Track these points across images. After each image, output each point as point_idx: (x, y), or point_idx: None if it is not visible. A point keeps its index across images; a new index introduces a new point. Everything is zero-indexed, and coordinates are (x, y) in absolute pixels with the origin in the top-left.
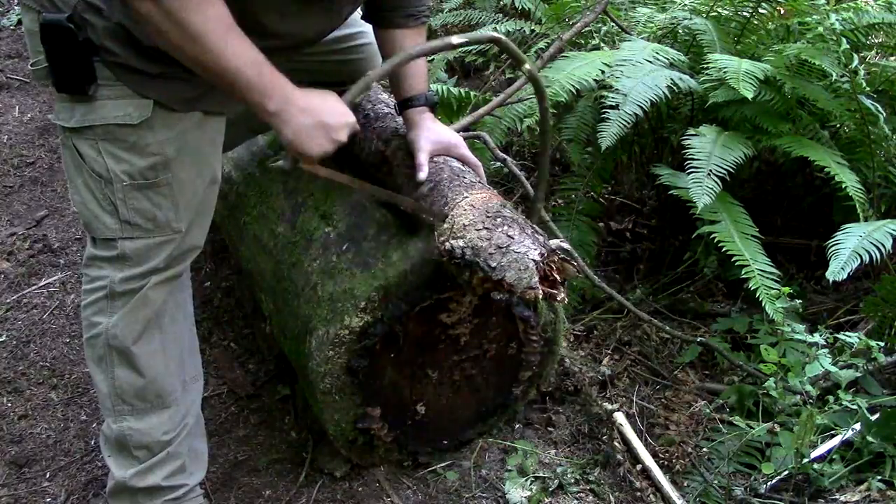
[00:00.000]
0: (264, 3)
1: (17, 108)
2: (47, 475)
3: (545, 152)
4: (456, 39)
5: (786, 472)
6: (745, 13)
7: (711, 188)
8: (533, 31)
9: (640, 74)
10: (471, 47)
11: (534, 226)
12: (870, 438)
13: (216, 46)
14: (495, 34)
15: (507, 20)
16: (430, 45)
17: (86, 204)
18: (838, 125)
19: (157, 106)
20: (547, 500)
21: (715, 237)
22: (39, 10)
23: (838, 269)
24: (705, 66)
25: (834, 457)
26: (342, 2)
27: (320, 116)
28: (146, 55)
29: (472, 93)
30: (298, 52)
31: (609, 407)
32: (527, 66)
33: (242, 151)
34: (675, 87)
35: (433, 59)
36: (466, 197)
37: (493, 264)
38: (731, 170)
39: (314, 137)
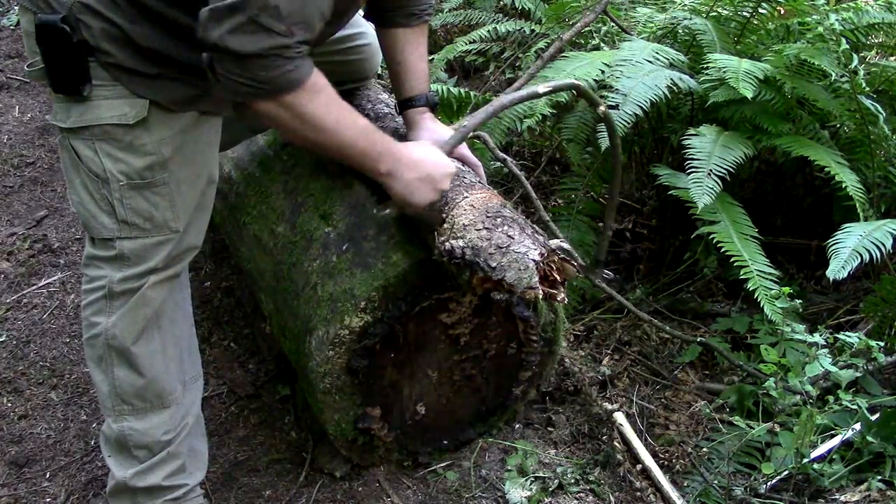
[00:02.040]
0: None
1: (17, 108)
2: (47, 475)
3: (615, 189)
4: (542, 89)
5: (786, 472)
6: (745, 13)
7: (711, 188)
8: (533, 31)
9: (640, 74)
10: (473, 46)
11: (534, 226)
12: (870, 438)
13: (332, 128)
14: (576, 82)
15: (507, 20)
16: (519, 95)
17: (84, 204)
18: (838, 125)
19: (153, 106)
20: (547, 500)
21: (714, 237)
22: (35, 11)
23: (839, 268)
24: (705, 66)
25: (834, 457)
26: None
27: (426, 170)
28: (142, 56)
29: (472, 93)
30: None
31: (609, 407)
32: (602, 108)
33: (242, 151)
34: (675, 87)
35: (433, 59)
36: (466, 197)
37: (493, 264)
38: (731, 170)
39: (421, 191)
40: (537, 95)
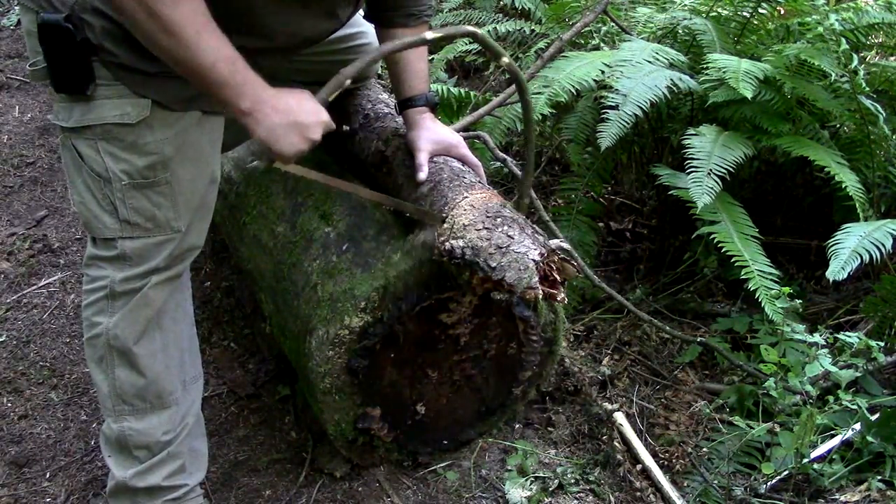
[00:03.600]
0: (266, 4)
1: (17, 108)
2: (47, 475)
3: (530, 145)
4: (430, 34)
5: (786, 472)
6: (745, 13)
7: (711, 188)
8: (533, 31)
9: (640, 75)
10: (473, 47)
11: (534, 226)
12: (870, 438)
13: (190, 41)
14: (471, 28)
15: (507, 20)
16: (403, 42)
17: (85, 204)
18: (838, 125)
19: (156, 105)
20: (547, 500)
21: (714, 237)
22: (37, 10)
23: (838, 269)
24: (705, 66)
25: (834, 457)
26: (340, 2)
27: (294, 116)
28: (144, 55)
29: (472, 93)
30: (299, 53)
31: (609, 407)
32: (504, 59)
33: (242, 151)
34: (675, 88)
35: (433, 59)
36: (466, 197)
37: (493, 264)
38: (731, 170)
39: (288, 137)
40: (426, 42)
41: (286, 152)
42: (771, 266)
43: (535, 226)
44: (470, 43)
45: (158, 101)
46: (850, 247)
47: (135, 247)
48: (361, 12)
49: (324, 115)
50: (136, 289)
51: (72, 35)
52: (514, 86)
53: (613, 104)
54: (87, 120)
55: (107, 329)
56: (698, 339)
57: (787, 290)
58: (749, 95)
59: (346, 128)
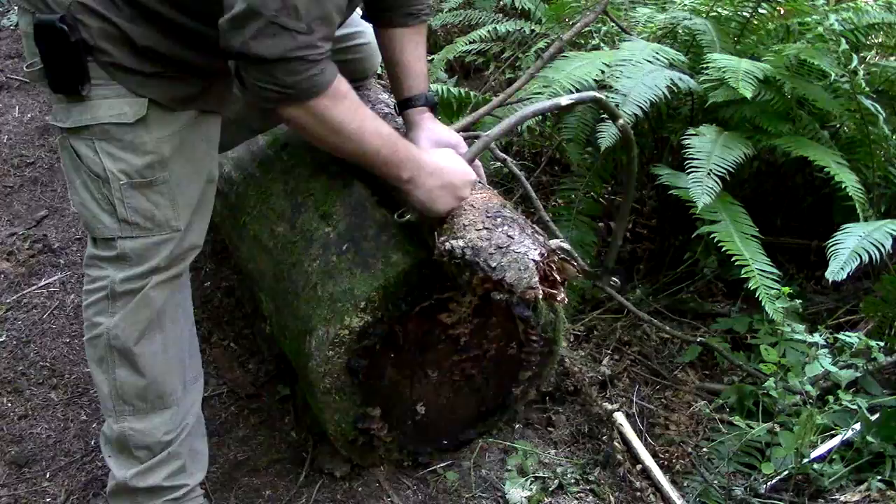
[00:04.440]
0: None
1: (17, 108)
2: (47, 475)
3: (628, 200)
4: (565, 101)
5: (786, 472)
6: (745, 13)
7: (711, 188)
8: (533, 31)
9: (640, 74)
10: (472, 47)
11: (534, 226)
12: (870, 438)
13: (355, 134)
14: (598, 95)
15: (508, 20)
16: (542, 106)
17: (85, 204)
18: (838, 125)
19: (153, 104)
20: (547, 500)
21: (715, 237)
22: (33, 11)
23: (838, 269)
24: (705, 66)
25: (834, 457)
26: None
27: (447, 178)
28: (140, 55)
29: (472, 93)
30: None
31: (609, 407)
32: (621, 121)
33: (242, 151)
34: (675, 87)
35: (433, 59)
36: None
37: (493, 264)
38: (731, 170)
39: (443, 198)
40: (559, 107)
41: (440, 211)
42: (771, 266)
43: (535, 226)
44: (469, 43)
45: (155, 100)
46: (849, 247)
47: (134, 246)
48: (359, 11)
49: (472, 175)
50: (136, 289)
51: (66, 36)
52: (514, 86)
53: (613, 104)
54: (84, 120)
55: (107, 329)
56: (698, 339)
57: (787, 290)
58: (749, 95)
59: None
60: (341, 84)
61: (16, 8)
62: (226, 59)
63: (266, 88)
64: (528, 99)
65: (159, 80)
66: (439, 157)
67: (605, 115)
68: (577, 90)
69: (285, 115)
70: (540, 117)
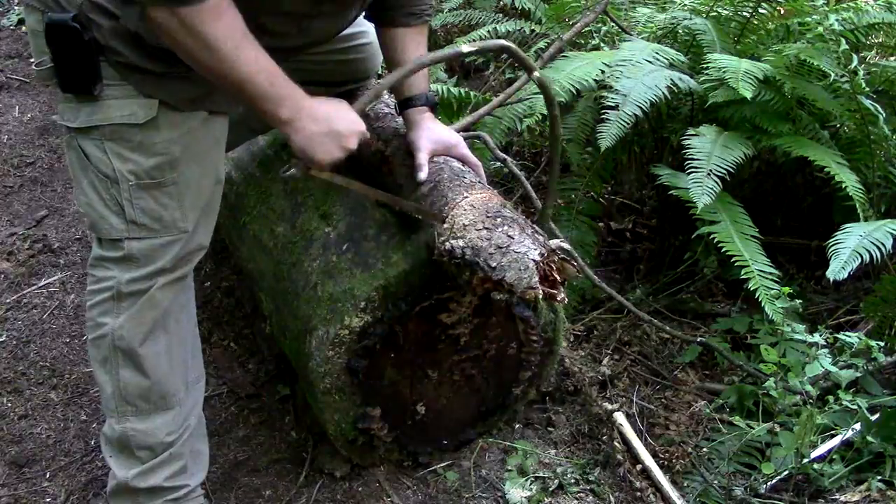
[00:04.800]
0: (275, 7)
1: (17, 108)
2: (47, 475)
3: (555, 158)
4: (466, 48)
5: (786, 472)
6: (745, 13)
7: (711, 188)
8: (533, 31)
9: (640, 75)
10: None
11: (534, 226)
12: (870, 438)
13: (229, 55)
14: (505, 42)
15: (507, 20)
16: (441, 54)
17: (92, 204)
18: (838, 125)
19: (163, 105)
20: (547, 500)
21: (714, 237)
22: (44, 10)
23: (839, 269)
24: (705, 66)
25: (834, 457)
26: (350, 5)
27: (331, 124)
28: (151, 55)
29: (472, 93)
30: (302, 53)
31: (609, 407)
32: (536, 73)
33: (242, 151)
34: (675, 88)
35: None
36: (466, 197)
37: (493, 264)
38: (731, 170)
39: (325, 145)
40: (461, 55)
41: (323, 160)
42: (771, 266)
43: (535, 226)
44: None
45: (165, 101)
46: (850, 247)
47: (141, 247)
48: None
49: (360, 125)
50: (142, 290)
51: (79, 35)
52: (514, 85)
53: (613, 104)
54: (93, 120)
55: (112, 330)
56: (698, 339)
57: (787, 290)
58: (749, 95)
59: (378, 141)
60: (226, 2)
61: (17, 7)
62: None
63: None
64: (528, 99)
65: (169, 80)
66: (325, 104)
67: (605, 115)
68: (577, 90)
69: (154, 19)
70: (539, 117)
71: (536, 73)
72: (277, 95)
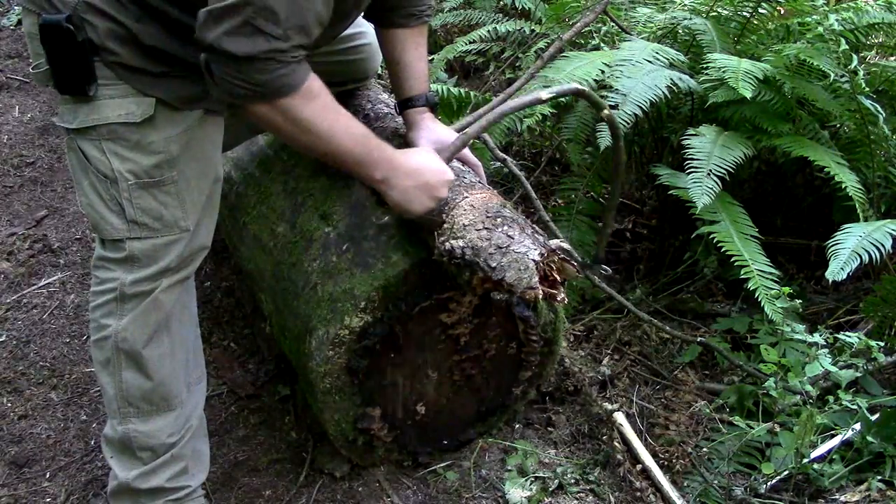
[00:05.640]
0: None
1: (17, 108)
2: (47, 475)
3: (616, 190)
4: (545, 95)
5: (786, 472)
6: (745, 13)
7: (711, 188)
8: (533, 30)
9: (639, 74)
10: (472, 47)
11: (534, 226)
12: (870, 438)
13: (326, 133)
14: (580, 87)
15: (508, 20)
16: (522, 101)
17: (92, 205)
18: (838, 125)
19: (160, 104)
20: (547, 500)
21: (714, 237)
22: (39, 12)
23: (838, 269)
24: (705, 66)
25: (834, 457)
26: (353, 4)
27: (422, 178)
28: (147, 55)
29: (472, 93)
30: None
31: (609, 407)
32: (606, 112)
33: (242, 151)
34: (675, 87)
35: (433, 59)
36: (466, 197)
37: (493, 264)
38: (730, 170)
39: (419, 198)
40: (540, 101)
41: (417, 212)
42: (771, 266)
43: (535, 226)
44: (469, 43)
45: (163, 99)
46: (849, 247)
47: (143, 247)
48: None
49: (449, 175)
50: (146, 291)
51: (73, 36)
52: (514, 86)
53: (613, 104)
54: (91, 120)
55: (116, 332)
56: (698, 339)
57: (787, 290)
58: (749, 95)
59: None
60: (314, 83)
61: (16, 7)
62: (199, 50)
63: (235, 84)
64: None
65: (166, 79)
66: (415, 157)
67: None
68: None
69: (254, 112)
70: (539, 117)
71: (606, 112)
72: (373, 160)
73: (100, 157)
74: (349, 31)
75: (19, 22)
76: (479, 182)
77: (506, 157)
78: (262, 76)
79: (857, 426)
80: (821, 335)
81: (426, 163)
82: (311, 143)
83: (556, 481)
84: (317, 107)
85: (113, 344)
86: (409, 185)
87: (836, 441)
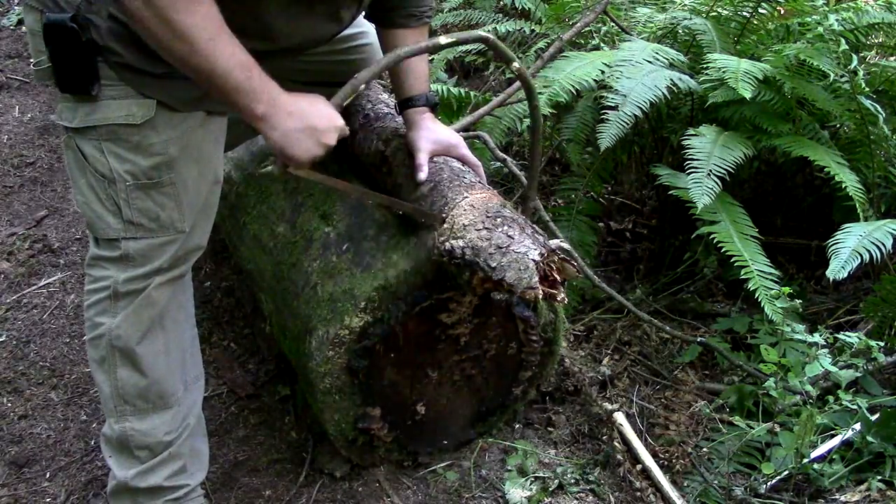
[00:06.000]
0: (271, 7)
1: (17, 108)
2: (47, 475)
3: (536, 150)
4: (444, 39)
5: (786, 472)
6: (745, 13)
7: (711, 188)
8: (533, 31)
9: (639, 75)
10: (471, 47)
11: (534, 226)
12: (870, 438)
13: (205, 47)
14: (483, 33)
15: (507, 20)
16: (418, 46)
17: (89, 204)
18: (838, 125)
19: (160, 106)
20: (547, 500)
21: (714, 237)
22: (42, 10)
23: (838, 268)
24: (705, 66)
25: (834, 457)
26: (344, 4)
27: (309, 120)
28: (149, 55)
29: (472, 93)
30: (301, 54)
31: (609, 407)
32: (515, 64)
33: (242, 151)
34: (674, 88)
35: (433, 59)
36: (466, 197)
37: (493, 264)
38: (730, 170)
39: (303, 142)
40: (440, 47)
41: (301, 157)
42: (771, 266)
43: (535, 226)
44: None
45: (163, 101)
46: (850, 246)
47: (138, 247)
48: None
49: (338, 121)
50: (139, 289)
51: (77, 35)
52: (514, 85)
53: (613, 104)
54: (91, 120)
55: (109, 329)
56: (698, 339)
57: (787, 290)
58: (748, 95)
59: (378, 141)
60: None
61: (16, 7)
62: None
63: None
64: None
65: (167, 80)
66: (301, 98)
67: (605, 115)
68: (577, 90)
69: (126, 7)
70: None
71: (516, 64)
72: (254, 90)
73: (98, 156)
74: (349, 31)
75: (20, 22)
76: (479, 182)
77: (506, 157)
78: None
79: (857, 426)
80: (821, 335)
81: (313, 106)
82: (186, 54)
83: (556, 481)
84: (199, 15)
85: (107, 342)
86: (293, 126)
87: (836, 441)
